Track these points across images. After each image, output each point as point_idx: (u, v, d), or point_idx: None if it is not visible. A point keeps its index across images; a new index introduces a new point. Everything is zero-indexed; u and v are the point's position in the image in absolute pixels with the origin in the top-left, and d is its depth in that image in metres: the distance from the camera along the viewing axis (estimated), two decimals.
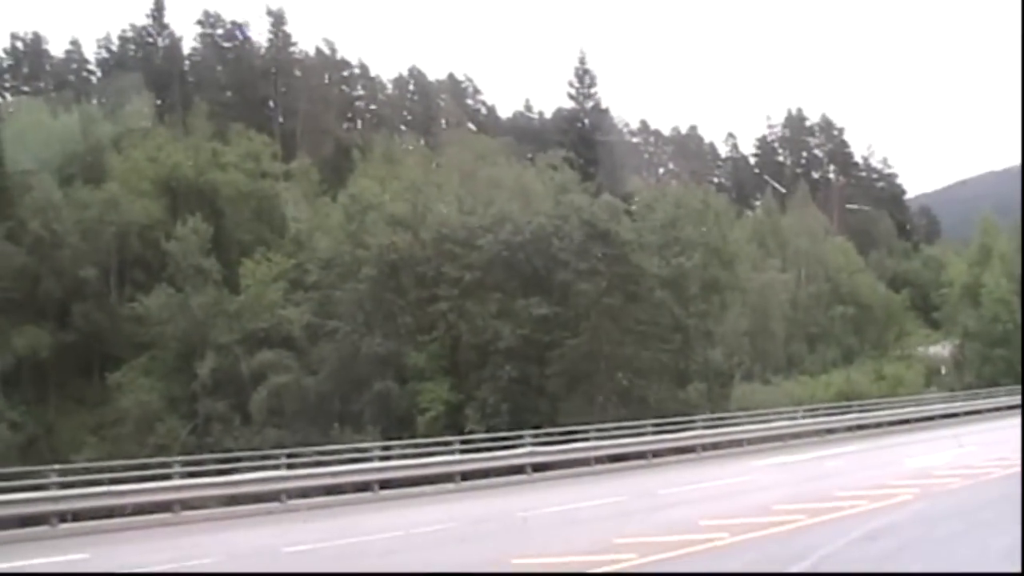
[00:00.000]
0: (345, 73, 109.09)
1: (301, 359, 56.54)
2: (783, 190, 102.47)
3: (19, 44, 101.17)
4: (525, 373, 52.84)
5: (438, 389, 52.87)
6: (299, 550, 19.61)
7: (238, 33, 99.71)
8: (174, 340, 58.53)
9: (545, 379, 53.33)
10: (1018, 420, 36.66)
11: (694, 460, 38.41)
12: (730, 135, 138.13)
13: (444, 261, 55.45)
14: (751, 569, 15.75)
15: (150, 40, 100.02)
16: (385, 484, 29.99)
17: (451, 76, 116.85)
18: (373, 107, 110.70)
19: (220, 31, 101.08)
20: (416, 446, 37.61)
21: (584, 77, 79.66)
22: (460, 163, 73.76)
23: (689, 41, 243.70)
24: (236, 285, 60.65)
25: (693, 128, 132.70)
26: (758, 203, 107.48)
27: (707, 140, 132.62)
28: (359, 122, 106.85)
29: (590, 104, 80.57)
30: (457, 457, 33.40)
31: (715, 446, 40.64)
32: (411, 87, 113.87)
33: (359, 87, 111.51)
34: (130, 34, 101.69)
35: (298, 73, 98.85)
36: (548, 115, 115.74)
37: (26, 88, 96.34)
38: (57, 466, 27.01)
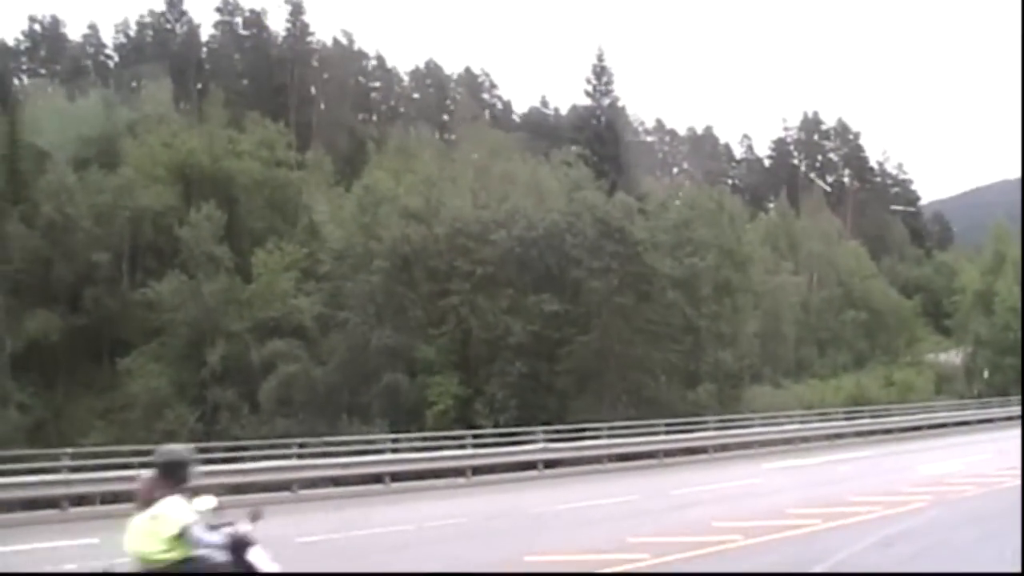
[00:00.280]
0: (362, 64, 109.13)
1: (311, 349, 56.50)
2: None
3: (37, 27, 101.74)
4: (535, 369, 52.80)
5: (447, 383, 52.77)
6: (312, 540, 19.51)
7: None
8: (184, 327, 58.44)
9: (554, 376, 53.26)
10: None
11: (705, 461, 38.32)
12: (745, 136, 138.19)
13: (456, 255, 55.39)
14: (768, 571, 15.66)
15: (168, 26, 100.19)
16: (396, 476, 29.93)
17: (468, 70, 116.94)
18: (389, 99, 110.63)
19: (238, 19, 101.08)
20: (427, 439, 37.52)
21: (601, 75, 79.14)
22: (475, 157, 73.63)
23: (707, 41, 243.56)
24: (248, 273, 60.70)
25: (708, 128, 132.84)
26: (772, 205, 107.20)
27: (722, 141, 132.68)
28: (374, 114, 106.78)
29: (607, 102, 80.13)
30: (469, 452, 33.34)
31: (725, 447, 40.57)
32: (427, 80, 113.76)
33: (376, 79, 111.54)
34: (148, 20, 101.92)
35: (315, 63, 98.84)
36: (564, 112, 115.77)
37: (43, 71, 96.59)
38: (70, 450, 26.96)
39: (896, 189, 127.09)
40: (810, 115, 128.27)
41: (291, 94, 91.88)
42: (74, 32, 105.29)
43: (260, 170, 69.55)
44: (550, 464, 34.23)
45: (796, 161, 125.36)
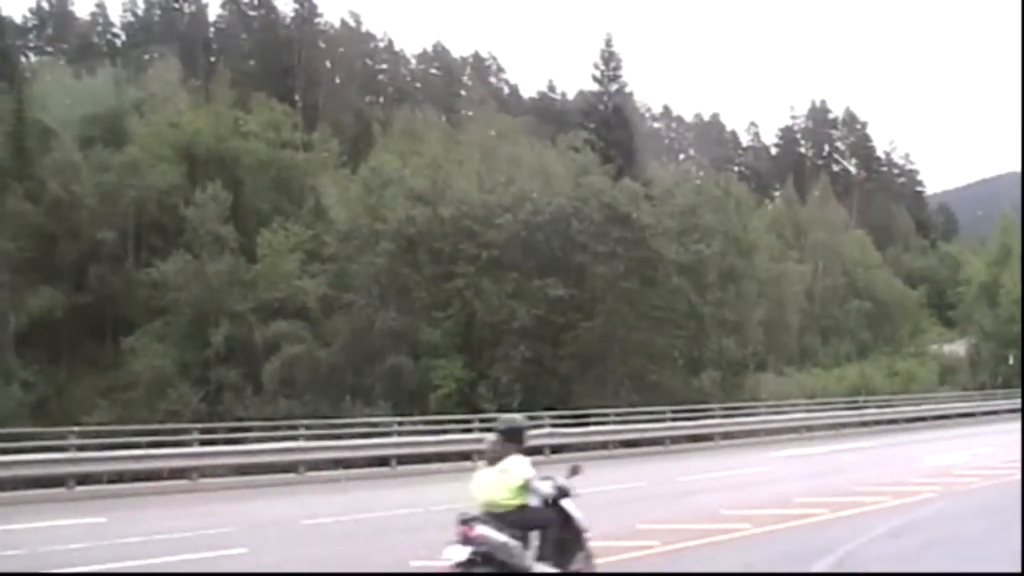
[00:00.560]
0: (369, 46, 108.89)
1: (315, 330, 56.48)
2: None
3: (45, 5, 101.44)
4: (539, 354, 52.69)
5: (451, 366, 52.67)
6: (318, 523, 19.48)
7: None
8: (188, 307, 58.46)
9: (558, 360, 53.18)
10: None
11: (711, 448, 38.36)
12: (752, 124, 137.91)
13: (462, 238, 55.25)
14: (778, 561, 15.59)
15: (175, 6, 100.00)
16: (403, 459, 29.88)
17: (475, 54, 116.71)
18: (396, 82, 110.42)
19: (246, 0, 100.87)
20: (433, 423, 37.49)
21: (609, 60, 78.87)
22: (481, 141, 73.47)
23: (714, 28, 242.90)
24: (253, 254, 60.65)
25: (715, 115, 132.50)
26: (778, 193, 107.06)
27: (729, 128, 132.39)
28: (381, 97, 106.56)
29: (614, 87, 79.91)
30: (476, 435, 33.26)
31: (731, 435, 40.59)
32: (435, 64, 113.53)
33: (383, 61, 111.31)
34: None
35: (322, 45, 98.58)
36: (571, 97, 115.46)
37: (50, 49, 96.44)
38: (76, 428, 26.95)
39: (902, 179, 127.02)
40: (818, 104, 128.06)
41: (298, 75, 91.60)
42: (82, 10, 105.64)
43: (266, 151, 69.49)
44: (556, 449, 34.22)
45: (803, 149, 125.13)
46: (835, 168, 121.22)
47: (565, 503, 11.83)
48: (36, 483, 23.70)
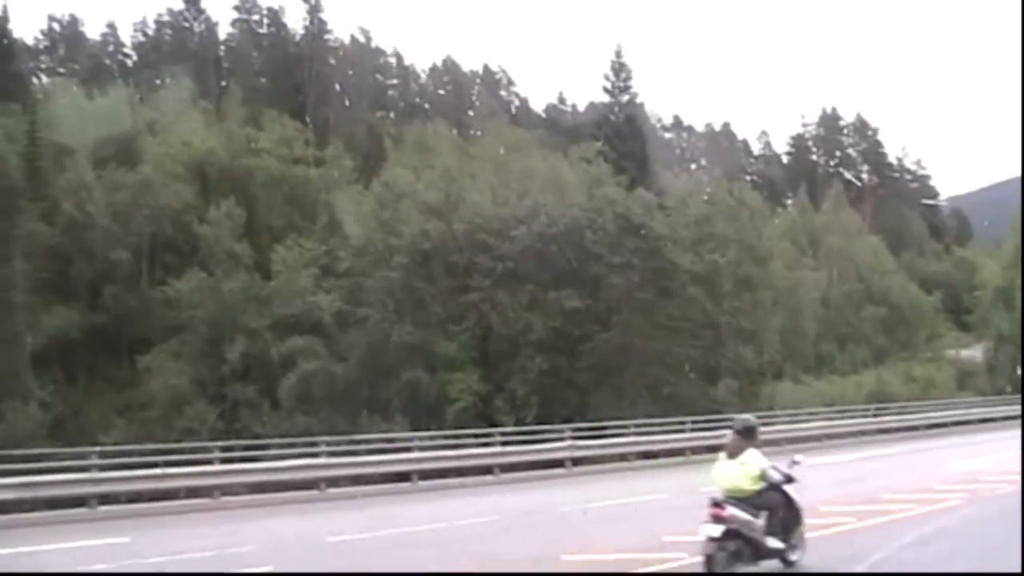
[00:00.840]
0: (379, 62, 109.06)
1: (331, 346, 56.46)
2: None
3: (56, 26, 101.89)
4: (555, 366, 52.68)
5: (468, 379, 52.66)
6: (343, 540, 19.39)
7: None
8: (204, 324, 58.50)
9: (575, 372, 53.17)
10: None
11: None
12: (763, 132, 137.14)
13: (477, 251, 55.26)
14: (806, 571, 15.48)
15: (186, 25, 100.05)
16: (425, 474, 29.78)
17: (485, 67, 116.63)
18: (407, 97, 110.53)
19: (256, 17, 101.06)
20: (452, 437, 37.39)
21: (620, 71, 79.09)
22: (493, 154, 73.45)
23: (723, 38, 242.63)
24: (267, 271, 60.70)
25: (726, 124, 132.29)
26: (790, 201, 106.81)
27: (740, 137, 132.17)
28: (392, 112, 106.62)
29: (625, 98, 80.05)
30: (497, 449, 33.23)
31: None
32: (445, 78, 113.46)
33: (393, 76, 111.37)
34: (166, 18, 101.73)
35: (333, 61, 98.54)
36: (581, 109, 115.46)
37: (62, 70, 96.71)
38: (97, 448, 26.90)
39: (915, 184, 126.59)
40: (828, 111, 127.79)
41: (309, 92, 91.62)
42: (93, 31, 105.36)
43: (279, 167, 69.64)
44: (577, 461, 34.10)
45: (815, 157, 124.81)
46: (847, 175, 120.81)
47: (788, 488, 14.88)
48: (58, 503, 23.59)
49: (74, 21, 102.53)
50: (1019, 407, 55.91)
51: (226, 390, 56.21)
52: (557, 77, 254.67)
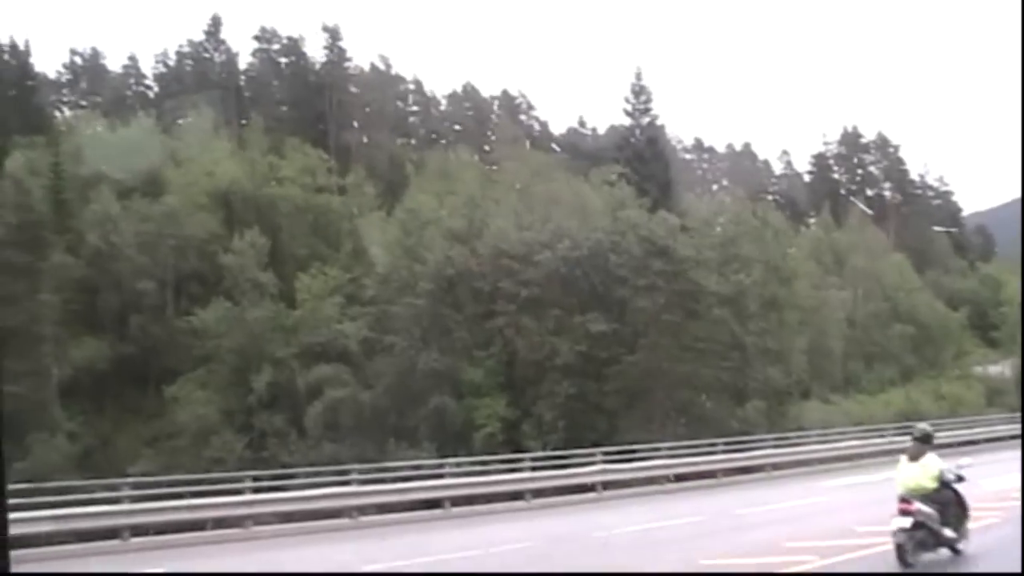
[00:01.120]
0: (400, 89, 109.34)
1: (357, 374, 56.47)
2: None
3: (78, 59, 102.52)
4: (582, 390, 52.49)
5: (495, 405, 52.55)
6: (378, 569, 19.27)
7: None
8: (230, 354, 58.61)
9: (603, 396, 52.93)
10: None
11: (763, 480, 37.86)
12: (784, 152, 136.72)
13: (501, 276, 55.18)
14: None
15: (207, 56, 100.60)
16: (457, 501, 29.62)
17: (505, 92, 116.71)
18: (428, 123, 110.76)
19: (276, 46, 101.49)
20: (482, 463, 37.22)
21: (640, 94, 79.23)
22: (516, 179, 73.53)
23: (742, 59, 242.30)
24: (292, 299, 60.81)
25: (747, 145, 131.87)
26: (812, 220, 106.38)
27: (761, 157, 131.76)
28: (413, 138, 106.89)
29: (646, 121, 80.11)
30: (529, 474, 33.06)
31: (783, 465, 40.10)
32: (465, 103, 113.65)
33: (414, 103, 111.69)
34: (187, 49, 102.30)
35: (353, 89, 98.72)
36: (601, 132, 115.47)
37: (84, 103, 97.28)
38: (130, 479, 26.86)
39: (938, 201, 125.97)
40: (849, 129, 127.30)
41: (330, 120, 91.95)
42: (114, 63, 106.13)
43: (302, 196, 69.82)
44: (608, 485, 33.90)
45: (837, 176, 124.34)
46: (869, 193, 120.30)
47: (958, 487, 17.38)
48: (91, 536, 23.47)
49: (96, 54, 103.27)
50: None
51: (253, 419, 56.31)
52: (577, 101, 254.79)
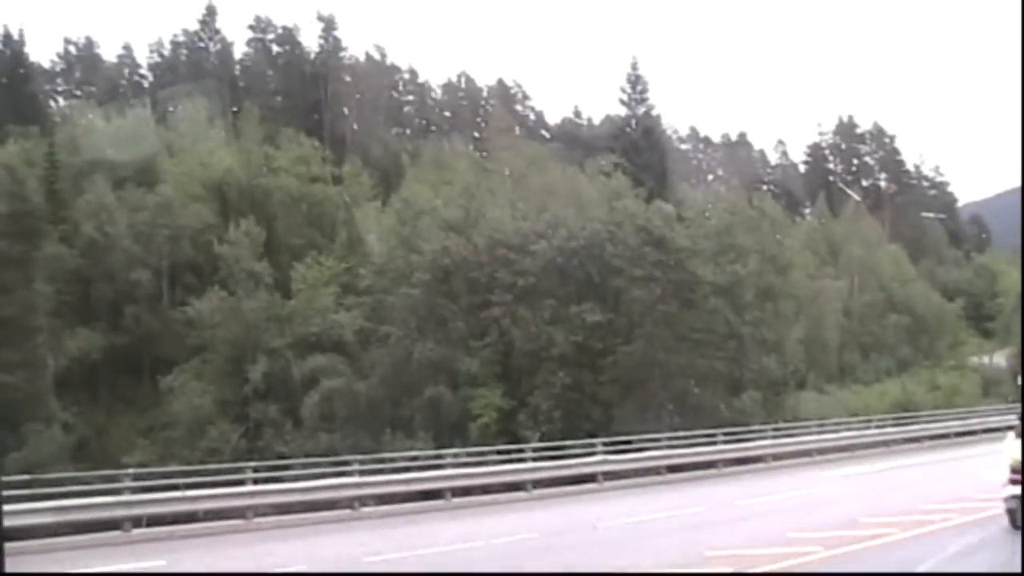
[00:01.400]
0: (395, 78, 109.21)
1: (353, 364, 56.25)
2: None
3: (72, 49, 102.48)
4: (578, 380, 52.30)
5: (491, 395, 52.31)
6: (381, 559, 19.19)
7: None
8: (225, 344, 58.40)
9: (599, 386, 52.73)
10: None
11: (763, 470, 37.88)
12: (780, 142, 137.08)
13: (497, 266, 54.98)
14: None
15: (201, 45, 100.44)
16: (458, 492, 29.53)
17: (500, 82, 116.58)
18: (422, 113, 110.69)
19: (271, 36, 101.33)
20: (481, 454, 37.11)
21: (636, 83, 79.33)
22: (511, 168, 73.48)
23: (738, 48, 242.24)
24: (288, 289, 60.62)
25: (742, 135, 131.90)
26: (807, 210, 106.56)
27: (757, 147, 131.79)
28: (408, 128, 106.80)
29: (642, 110, 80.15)
30: (530, 465, 33.00)
31: (783, 456, 40.14)
32: (460, 93, 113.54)
33: (408, 93, 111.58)
34: (182, 39, 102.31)
35: (348, 78, 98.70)
36: (596, 122, 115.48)
37: (78, 92, 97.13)
38: (131, 470, 26.70)
39: (933, 192, 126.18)
40: (845, 119, 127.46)
41: (325, 110, 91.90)
42: (109, 53, 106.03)
43: (297, 186, 69.61)
44: (609, 476, 33.83)
45: (832, 166, 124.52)
46: (865, 183, 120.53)
47: None
48: (92, 527, 23.32)
49: (90, 43, 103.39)
50: None
51: (249, 409, 56.09)
52: (572, 91, 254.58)
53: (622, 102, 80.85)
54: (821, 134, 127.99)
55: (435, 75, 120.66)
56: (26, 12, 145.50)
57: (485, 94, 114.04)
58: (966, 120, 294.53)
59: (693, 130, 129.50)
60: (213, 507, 25.25)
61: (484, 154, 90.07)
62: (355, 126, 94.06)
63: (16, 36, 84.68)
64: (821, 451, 41.63)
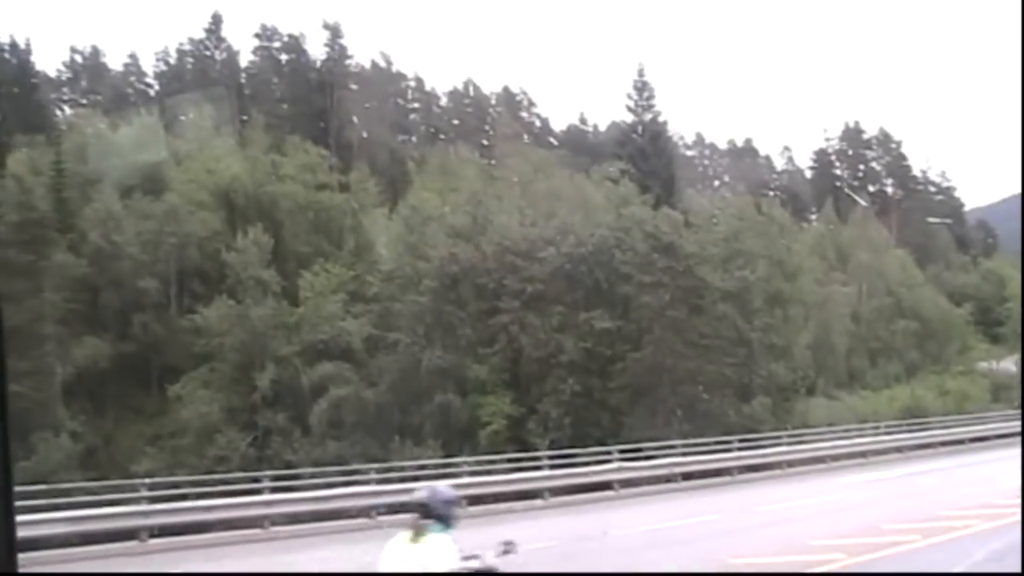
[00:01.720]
0: (400, 86, 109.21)
1: (361, 371, 56.14)
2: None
3: (78, 58, 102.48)
4: (587, 387, 52.25)
5: (499, 402, 52.23)
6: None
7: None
8: (233, 352, 58.27)
9: (608, 393, 52.68)
10: None
11: (779, 476, 37.72)
12: (786, 148, 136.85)
13: (505, 273, 54.92)
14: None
15: (207, 53, 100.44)
16: (474, 500, 29.31)
17: (506, 89, 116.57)
18: (429, 120, 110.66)
19: (277, 44, 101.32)
20: (491, 463, 36.95)
21: (643, 90, 79.23)
22: (518, 175, 73.40)
23: (744, 55, 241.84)
24: (295, 297, 60.52)
25: (748, 141, 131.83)
26: (814, 216, 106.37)
27: (763, 153, 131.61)
28: (414, 135, 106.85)
29: (648, 117, 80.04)
30: (546, 472, 32.86)
31: (799, 462, 39.98)
32: (466, 100, 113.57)
33: (414, 100, 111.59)
34: (187, 47, 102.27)
35: (354, 86, 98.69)
36: (602, 128, 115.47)
37: (84, 101, 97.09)
38: (148, 480, 26.55)
39: (940, 197, 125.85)
40: (851, 125, 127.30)
41: (331, 117, 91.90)
42: (114, 62, 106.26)
43: (304, 193, 69.51)
44: (625, 483, 33.67)
45: (838, 171, 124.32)
46: (871, 188, 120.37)
47: None
48: (108, 537, 23.11)
49: (96, 52, 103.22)
50: None
51: (257, 417, 56.01)
52: (577, 98, 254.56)
53: (628, 108, 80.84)
54: (827, 140, 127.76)
55: (441, 83, 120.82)
56: (33, 21, 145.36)
57: (491, 101, 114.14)
58: (972, 125, 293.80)
59: (699, 136, 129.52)
60: (230, 516, 25.11)
61: (491, 161, 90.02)
62: (362, 134, 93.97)
63: (23, 45, 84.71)
64: (835, 457, 41.48)
